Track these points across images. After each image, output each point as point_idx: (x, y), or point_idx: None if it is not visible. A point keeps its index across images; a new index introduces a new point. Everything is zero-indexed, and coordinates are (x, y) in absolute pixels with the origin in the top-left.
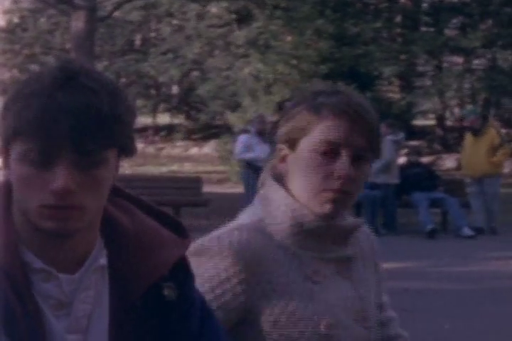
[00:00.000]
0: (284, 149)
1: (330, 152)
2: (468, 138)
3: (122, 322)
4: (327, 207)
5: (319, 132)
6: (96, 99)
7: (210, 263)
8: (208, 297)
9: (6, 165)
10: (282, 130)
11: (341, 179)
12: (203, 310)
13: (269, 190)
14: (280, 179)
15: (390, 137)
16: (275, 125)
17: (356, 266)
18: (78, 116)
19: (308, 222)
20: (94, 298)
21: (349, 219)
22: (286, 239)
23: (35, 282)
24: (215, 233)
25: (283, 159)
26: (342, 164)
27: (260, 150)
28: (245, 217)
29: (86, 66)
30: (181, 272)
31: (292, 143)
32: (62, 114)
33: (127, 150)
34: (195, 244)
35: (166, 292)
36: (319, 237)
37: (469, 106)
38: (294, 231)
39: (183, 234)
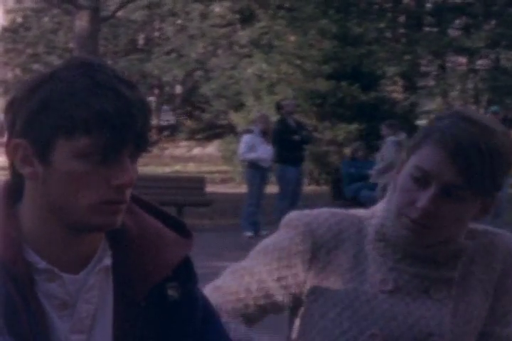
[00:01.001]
0: (404, 161)
1: (422, 180)
2: None
3: (126, 323)
4: (404, 232)
5: (418, 157)
6: (141, 93)
7: (287, 235)
8: (272, 266)
9: (26, 164)
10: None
11: (419, 211)
12: (205, 310)
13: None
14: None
15: (391, 138)
16: None
17: (462, 288)
18: (142, 111)
19: (391, 236)
20: (98, 298)
21: (459, 241)
22: (372, 241)
23: (39, 282)
24: (312, 210)
25: (399, 170)
26: (425, 196)
27: (263, 151)
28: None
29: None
30: (185, 272)
31: (405, 159)
32: (134, 109)
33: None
34: (288, 216)
35: (169, 292)
36: (403, 250)
37: (493, 107)
38: (377, 238)
39: (186, 234)
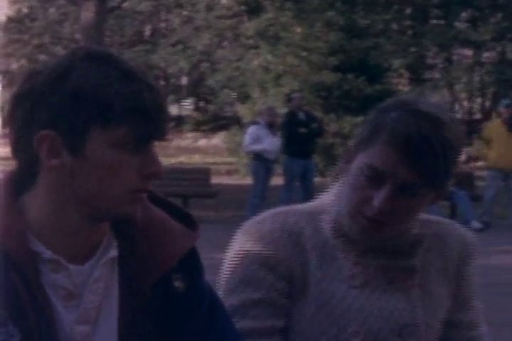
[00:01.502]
0: (351, 154)
1: (375, 178)
2: (498, 130)
3: (132, 314)
4: (360, 230)
5: (368, 155)
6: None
7: (260, 243)
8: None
9: (53, 155)
10: (358, 131)
11: (375, 209)
12: (211, 301)
13: (340, 184)
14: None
15: None
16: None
17: (423, 277)
18: (164, 98)
19: (349, 233)
20: (103, 289)
21: (414, 231)
22: (331, 238)
23: (44, 272)
24: (269, 213)
25: (349, 161)
26: (380, 194)
27: (269, 143)
28: (319, 200)
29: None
30: (191, 263)
31: (352, 152)
32: (162, 99)
33: None
34: (249, 222)
35: (175, 283)
36: (363, 245)
37: (505, 100)
38: (335, 235)
39: (192, 225)
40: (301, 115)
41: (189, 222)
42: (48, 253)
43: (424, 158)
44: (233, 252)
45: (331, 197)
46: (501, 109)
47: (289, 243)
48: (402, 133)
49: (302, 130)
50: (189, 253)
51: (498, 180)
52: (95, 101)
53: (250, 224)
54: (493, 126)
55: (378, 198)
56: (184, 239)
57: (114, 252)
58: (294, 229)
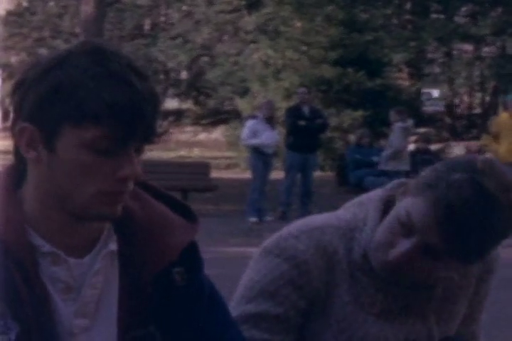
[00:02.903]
0: (402, 191)
1: (407, 227)
2: (506, 124)
3: (131, 308)
4: (380, 267)
5: (412, 202)
6: (153, 86)
7: (293, 261)
8: (267, 301)
9: (31, 148)
10: (424, 171)
11: (394, 258)
12: (211, 294)
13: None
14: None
15: (399, 124)
16: None
17: (444, 299)
18: (152, 103)
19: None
20: (103, 283)
21: None
22: (359, 261)
23: (43, 265)
24: (306, 226)
25: (404, 194)
26: (402, 246)
27: (267, 137)
28: (343, 215)
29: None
30: (191, 257)
31: (404, 190)
32: (144, 102)
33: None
34: (285, 234)
35: (175, 277)
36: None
37: (510, 95)
38: (363, 260)
39: (192, 218)
40: (305, 110)
41: (189, 215)
42: (46, 247)
43: (462, 234)
44: (263, 261)
45: (364, 214)
46: (509, 102)
47: (322, 264)
48: (448, 200)
49: (301, 123)
50: (189, 247)
51: None
52: (71, 98)
53: (286, 238)
54: (501, 120)
55: (397, 250)
56: (184, 232)
57: (113, 245)
58: (328, 249)
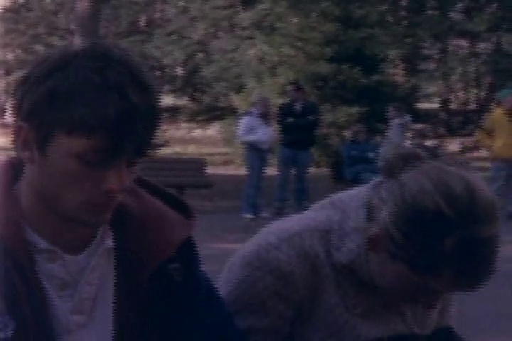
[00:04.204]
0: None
1: None
2: (500, 120)
3: (128, 304)
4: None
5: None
6: (153, 98)
7: (277, 272)
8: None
9: (25, 148)
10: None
11: None
12: (208, 291)
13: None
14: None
15: (396, 120)
16: None
17: None
18: (148, 116)
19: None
20: (99, 279)
21: None
22: (338, 264)
23: (39, 262)
24: (285, 233)
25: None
26: None
27: (262, 133)
28: (317, 216)
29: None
30: (187, 253)
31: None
32: (138, 115)
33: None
34: (265, 244)
35: (172, 273)
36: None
37: (505, 90)
38: (343, 266)
39: (188, 214)
40: (298, 106)
41: (186, 211)
42: (43, 244)
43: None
44: (242, 273)
45: (339, 216)
46: (502, 98)
47: (306, 272)
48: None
49: (290, 120)
50: (186, 243)
51: (502, 171)
52: (65, 106)
53: (266, 249)
54: (496, 117)
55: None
56: (181, 228)
57: (109, 242)
58: (309, 254)
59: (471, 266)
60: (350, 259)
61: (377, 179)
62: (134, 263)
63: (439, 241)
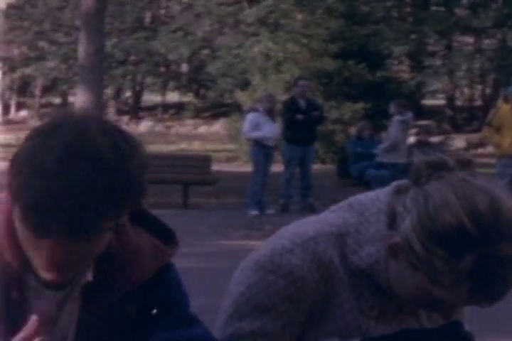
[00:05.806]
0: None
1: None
2: (507, 116)
3: (88, 333)
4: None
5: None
6: (107, 170)
7: (290, 277)
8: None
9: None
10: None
11: None
12: (177, 319)
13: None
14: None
15: (397, 117)
16: None
17: None
18: (86, 194)
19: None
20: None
21: None
22: (354, 267)
23: (29, 299)
24: (298, 238)
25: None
26: None
27: (268, 129)
28: (331, 219)
29: (101, 121)
30: (156, 284)
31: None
32: (67, 194)
33: (137, 205)
34: (278, 247)
35: (127, 307)
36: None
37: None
38: (359, 270)
39: (171, 242)
40: (302, 102)
41: (169, 239)
42: (32, 281)
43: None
44: (255, 276)
45: (356, 218)
46: (510, 95)
47: (319, 277)
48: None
49: (299, 117)
50: (161, 270)
51: (510, 167)
52: (20, 179)
53: (280, 253)
54: (503, 113)
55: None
56: (153, 260)
57: (89, 276)
58: (323, 260)
59: (490, 282)
60: (369, 264)
61: (398, 182)
62: (97, 295)
63: (460, 257)
